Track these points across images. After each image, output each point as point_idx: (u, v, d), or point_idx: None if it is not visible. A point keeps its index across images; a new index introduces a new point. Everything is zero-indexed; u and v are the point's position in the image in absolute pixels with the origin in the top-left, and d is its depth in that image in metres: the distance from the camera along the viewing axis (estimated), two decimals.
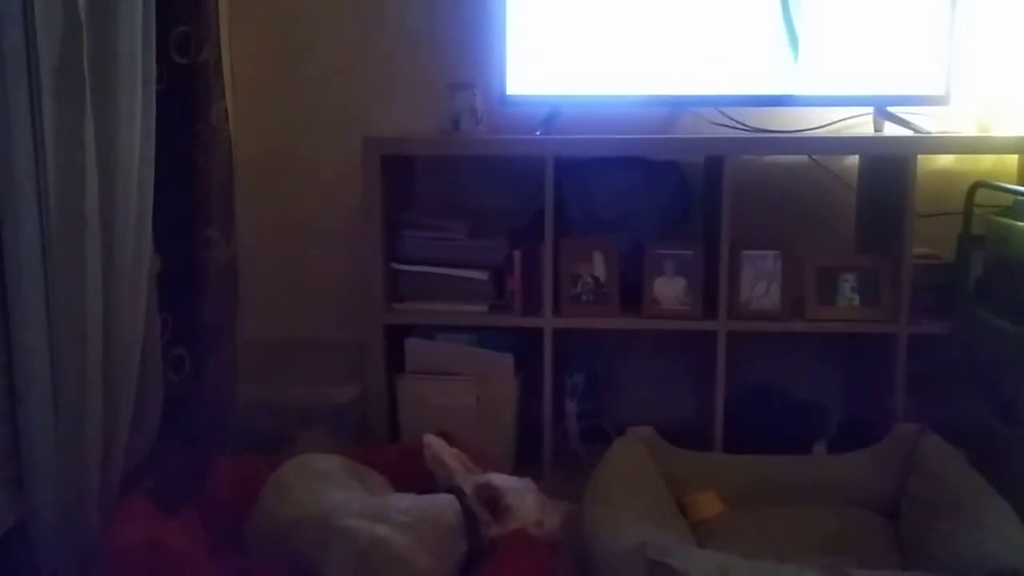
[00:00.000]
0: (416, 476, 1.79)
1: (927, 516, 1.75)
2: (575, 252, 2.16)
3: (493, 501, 1.63)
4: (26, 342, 1.54)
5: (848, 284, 2.12)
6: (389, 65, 2.46)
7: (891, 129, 2.25)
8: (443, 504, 1.64)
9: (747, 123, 2.34)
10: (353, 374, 2.26)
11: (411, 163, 2.42)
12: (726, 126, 2.34)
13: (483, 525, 1.63)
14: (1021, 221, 1.89)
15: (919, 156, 2.05)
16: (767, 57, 2.20)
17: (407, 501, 1.67)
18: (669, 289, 2.15)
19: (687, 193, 2.34)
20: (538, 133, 2.23)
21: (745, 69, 2.21)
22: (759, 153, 2.36)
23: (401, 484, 1.81)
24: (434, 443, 1.76)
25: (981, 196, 2.03)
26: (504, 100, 2.25)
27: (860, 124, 2.34)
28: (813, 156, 2.37)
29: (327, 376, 2.28)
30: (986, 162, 2.30)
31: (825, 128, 2.34)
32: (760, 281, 2.13)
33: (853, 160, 2.38)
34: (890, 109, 2.25)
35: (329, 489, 1.69)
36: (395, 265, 2.19)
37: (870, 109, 2.29)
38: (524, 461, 2.19)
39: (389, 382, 2.20)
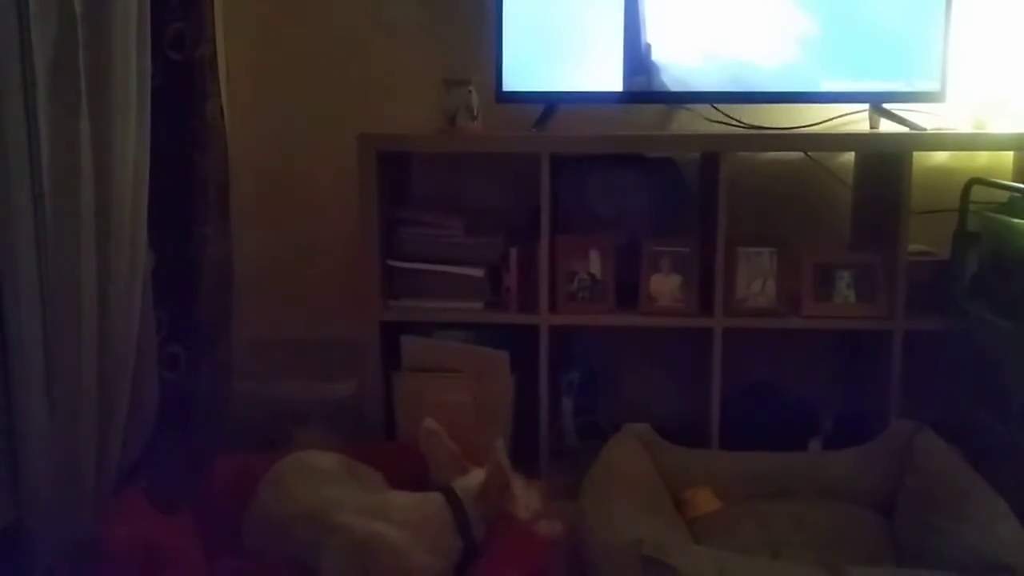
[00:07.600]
0: (412, 473, 1.80)
1: (923, 513, 1.75)
2: (571, 249, 2.16)
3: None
4: (21, 339, 1.53)
5: (844, 281, 2.12)
6: (385, 62, 2.45)
7: (887, 126, 2.25)
8: (439, 502, 1.65)
9: (743, 120, 2.34)
10: (349, 371, 2.25)
11: (407, 160, 2.42)
12: (722, 123, 2.34)
13: (474, 524, 1.63)
14: (1017, 218, 1.89)
15: (915, 153, 2.05)
16: (763, 54, 2.20)
17: (403, 498, 1.68)
18: (665, 286, 2.15)
19: (683, 190, 2.34)
20: (534, 130, 2.23)
21: (741, 66, 2.21)
22: (755, 150, 2.35)
23: (397, 481, 1.81)
24: (434, 427, 1.80)
25: (977, 193, 2.03)
26: (500, 96, 2.25)
27: (856, 121, 2.35)
28: (809, 153, 2.37)
29: (323, 373, 2.27)
30: (982, 159, 2.31)
31: (821, 125, 2.34)
32: (756, 278, 2.13)
33: (849, 157, 2.38)
34: (886, 106, 2.25)
35: (325, 486, 1.69)
36: (391, 262, 2.18)
37: (866, 106, 2.29)
38: (520, 458, 2.18)
39: (385, 379, 2.19)
